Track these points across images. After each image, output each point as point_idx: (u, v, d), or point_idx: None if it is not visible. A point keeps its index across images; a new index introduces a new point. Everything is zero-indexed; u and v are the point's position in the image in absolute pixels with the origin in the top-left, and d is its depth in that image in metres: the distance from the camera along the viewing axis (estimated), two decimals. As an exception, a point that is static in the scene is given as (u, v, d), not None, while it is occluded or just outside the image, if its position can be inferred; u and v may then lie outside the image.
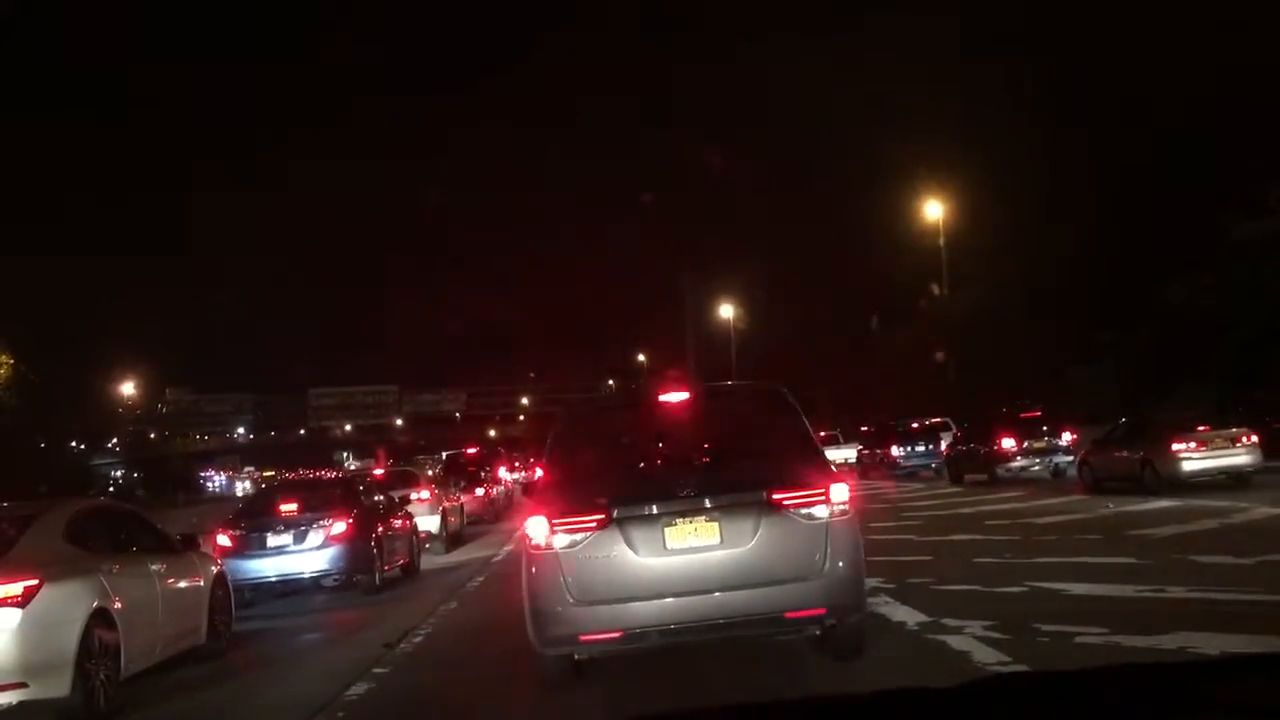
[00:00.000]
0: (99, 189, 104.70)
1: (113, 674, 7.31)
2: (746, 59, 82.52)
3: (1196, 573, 9.36)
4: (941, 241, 39.71)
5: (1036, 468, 25.49)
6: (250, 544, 12.94)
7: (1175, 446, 18.45)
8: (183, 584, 8.86)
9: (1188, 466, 18.25)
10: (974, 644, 6.94)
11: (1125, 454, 19.87)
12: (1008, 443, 25.47)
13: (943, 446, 31.67)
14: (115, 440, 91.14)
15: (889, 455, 35.12)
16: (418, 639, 9.32)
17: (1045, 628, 7.29)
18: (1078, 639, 6.90)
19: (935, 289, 39.06)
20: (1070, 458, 24.13)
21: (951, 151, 41.66)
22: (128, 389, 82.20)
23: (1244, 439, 18.74)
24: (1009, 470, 25.39)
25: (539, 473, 7.82)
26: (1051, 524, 14.80)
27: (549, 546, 6.24)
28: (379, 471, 25.03)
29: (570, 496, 6.43)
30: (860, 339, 53.05)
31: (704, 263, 61.05)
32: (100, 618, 7.21)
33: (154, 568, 8.36)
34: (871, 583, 9.71)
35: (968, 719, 1.78)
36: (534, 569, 6.35)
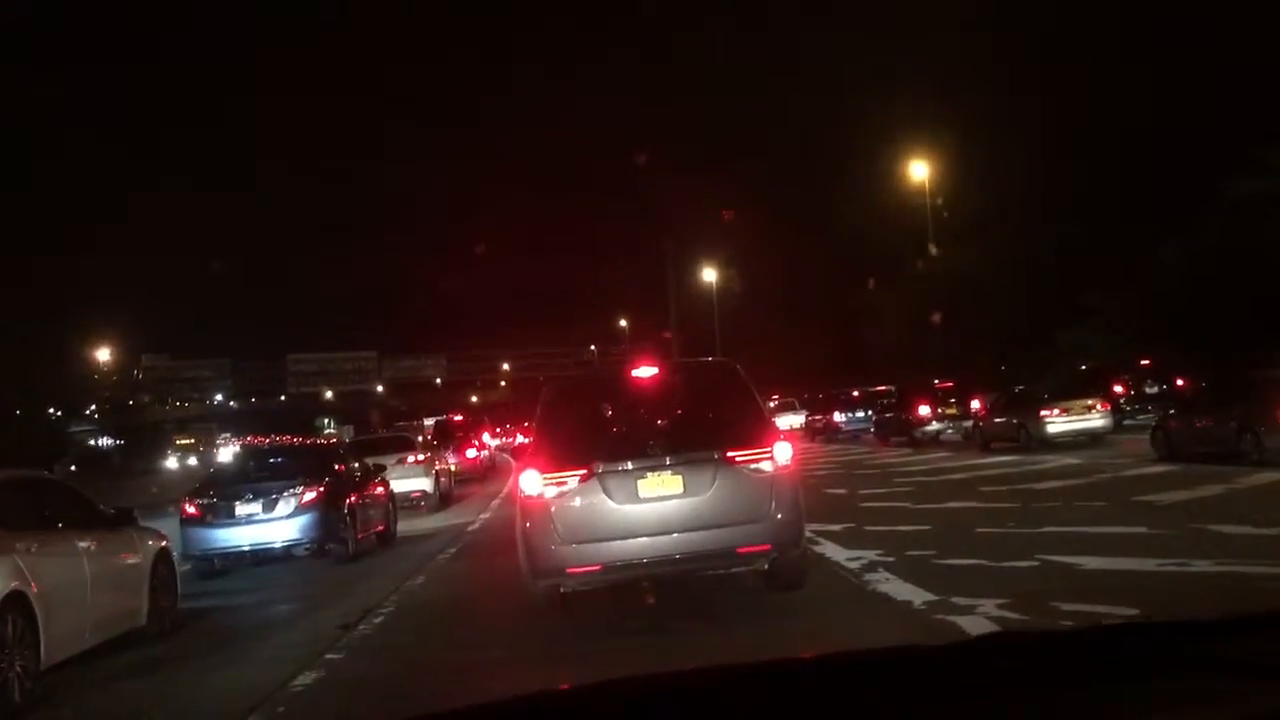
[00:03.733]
0: (70, 155, 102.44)
1: (30, 665, 6.56)
2: (743, 22, 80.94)
3: (1218, 544, 8.70)
4: (928, 203, 38.91)
5: (950, 431, 28.89)
6: (218, 512, 12.58)
7: (1042, 413, 22.29)
8: (117, 562, 8.07)
9: (1051, 429, 22.11)
10: (989, 626, 6.25)
11: (1006, 419, 23.75)
12: (923, 409, 29.64)
13: None
14: (94, 407, 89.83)
15: (831, 421, 38.79)
16: (378, 619, 8.58)
17: (1065, 607, 6.61)
18: (1105, 621, 6.21)
19: (932, 249, 38.32)
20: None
21: (946, 113, 40.84)
22: (103, 355, 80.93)
23: (1099, 406, 22.65)
24: (925, 433, 29.24)
25: (520, 439, 8.87)
26: (1050, 490, 14.18)
27: (541, 496, 7.31)
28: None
29: (558, 454, 7.48)
30: (848, 302, 52.41)
31: (690, 227, 60.02)
32: (14, 603, 6.45)
33: (82, 545, 7.56)
34: (869, 555, 9.20)
35: (962, 677, 1.73)
36: (528, 515, 7.39)
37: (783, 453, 7.46)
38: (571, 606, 7.89)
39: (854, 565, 8.82)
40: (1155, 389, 26.84)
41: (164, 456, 74.40)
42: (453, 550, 13.25)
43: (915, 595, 7.37)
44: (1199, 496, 12.18)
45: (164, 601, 8.75)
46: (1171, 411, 18.85)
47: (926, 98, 42.35)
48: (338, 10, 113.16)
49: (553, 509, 7.26)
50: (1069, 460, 18.59)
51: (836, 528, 11.25)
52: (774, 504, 7.33)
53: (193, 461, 59.72)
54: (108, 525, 8.24)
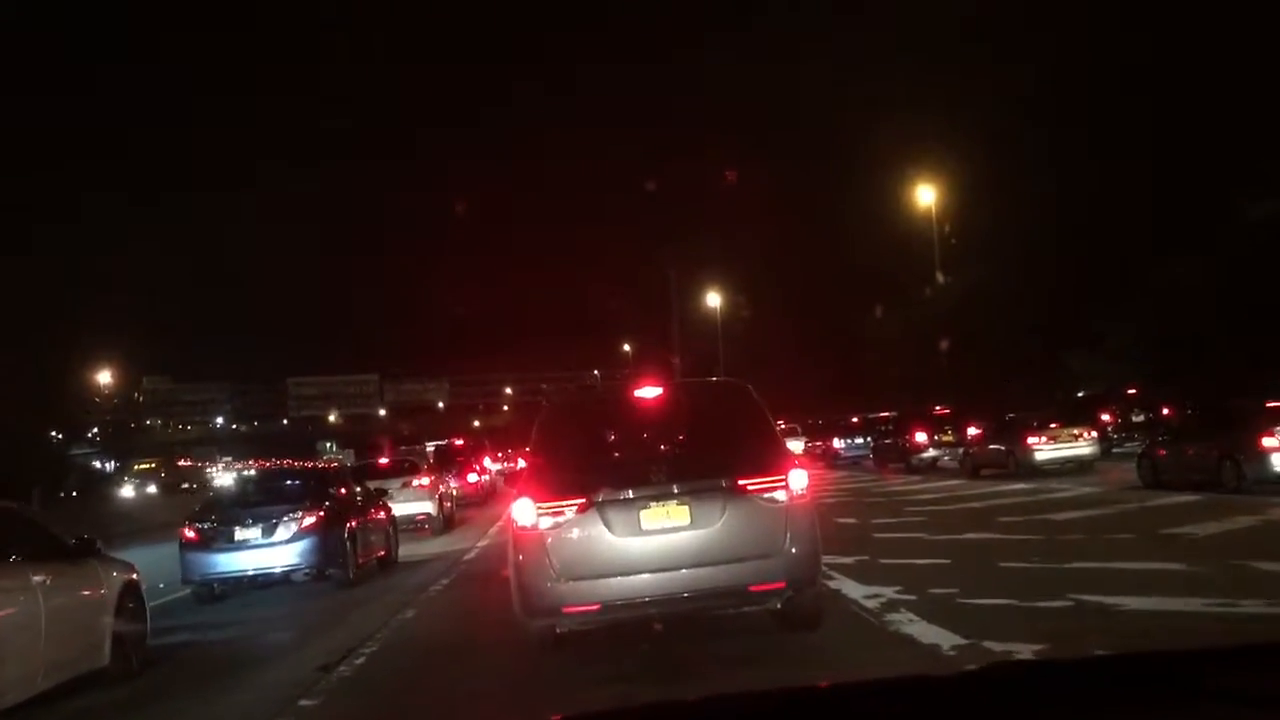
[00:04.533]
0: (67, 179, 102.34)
1: (-29, 713, 5.97)
2: (744, 46, 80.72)
3: (1264, 582, 8.11)
4: (935, 229, 38.40)
5: (946, 458, 28.85)
6: (217, 537, 12.47)
7: (1030, 440, 22.74)
8: (76, 597, 7.45)
9: (1039, 456, 22.51)
10: (1028, 677, 5.63)
11: (994, 446, 24.23)
12: (920, 436, 29.98)
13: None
14: (96, 430, 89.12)
15: (831, 447, 39.41)
16: (359, 660, 7.95)
17: (1111, 655, 5.98)
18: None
19: (940, 277, 37.82)
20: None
21: (949, 135, 40.48)
22: (104, 377, 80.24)
23: (1085, 434, 23.13)
24: (921, 460, 29.49)
25: (521, 463, 8.11)
26: (1071, 521, 13.57)
27: (534, 527, 6.70)
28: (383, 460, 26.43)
29: (554, 482, 6.88)
30: (853, 328, 51.96)
31: (695, 253, 59.63)
32: (-45, 645, 5.86)
33: (36, 580, 6.94)
34: (888, 593, 8.57)
35: (968, 706, 1.74)
36: (520, 548, 6.80)
37: (798, 481, 6.86)
38: (568, 648, 7.31)
39: (873, 604, 8.18)
40: (1142, 417, 27.53)
41: (118, 483, 63.74)
42: (445, 581, 12.61)
43: (943, 638, 6.74)
44: (1231, 529, 11.59)
45: (130, 639, 8.11)
46: (1162, 438, 19.19)
47: (932, 122, 42.04)
48: (340, 34, 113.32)
49: (548, 541, 6.65)
50: (1085, 489, 18.07)
51: (849, 560, 10.63)
52: (789, 537, 6.71)
53: (152, 489, 50.00)
54: (67, 556, 7.63)
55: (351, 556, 12.99)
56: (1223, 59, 34.42)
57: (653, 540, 6.62)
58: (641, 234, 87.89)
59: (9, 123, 77.84)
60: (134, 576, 8.46)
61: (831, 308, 54.45)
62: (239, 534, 12.42)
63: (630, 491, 6.67)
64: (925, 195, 39.08)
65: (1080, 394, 33.61)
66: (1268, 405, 16.27)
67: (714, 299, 59.39)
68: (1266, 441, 15.12)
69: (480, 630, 8.95)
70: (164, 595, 13.59)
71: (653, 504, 6.64)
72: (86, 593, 7.62)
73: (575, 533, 6.65)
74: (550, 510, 6.70)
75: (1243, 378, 27.20)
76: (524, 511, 6.77)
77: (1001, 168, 39.32)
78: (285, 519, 12.46)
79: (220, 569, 12.39)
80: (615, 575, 6.61)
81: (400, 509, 17.44)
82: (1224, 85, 34.61)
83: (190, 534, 12.60)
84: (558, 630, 7.18)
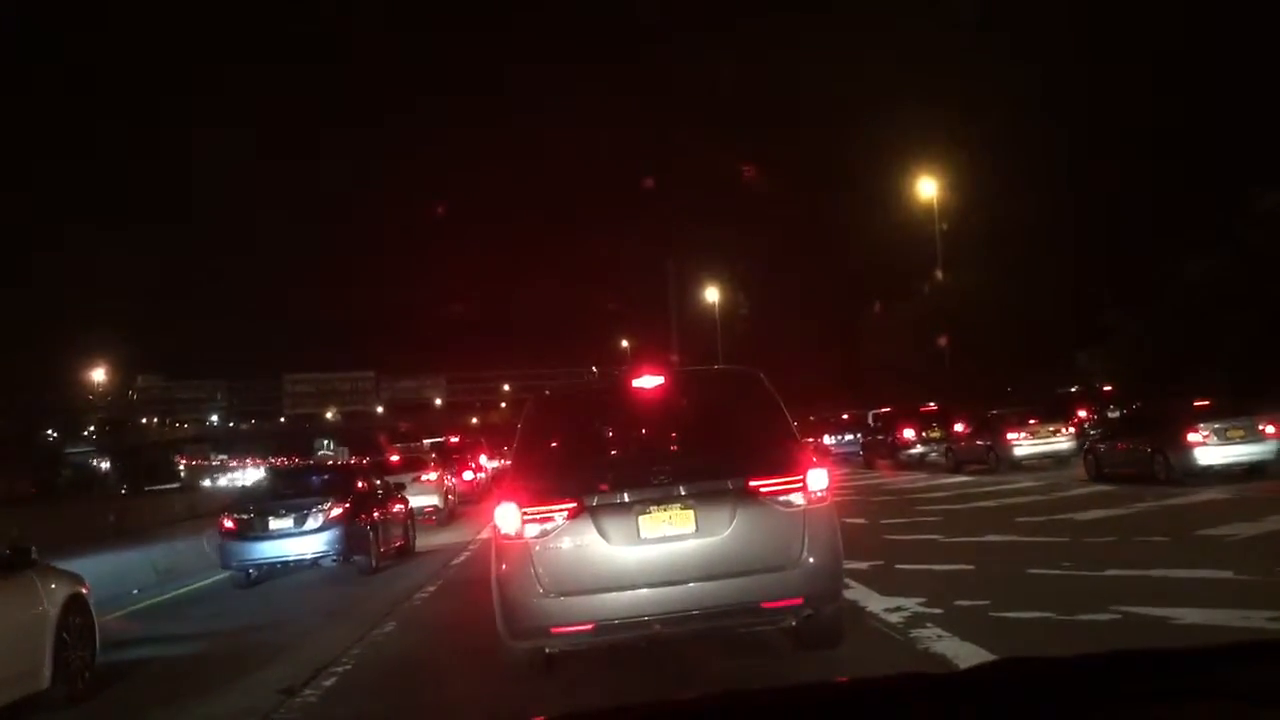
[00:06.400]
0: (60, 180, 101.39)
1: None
2: (745, 37, 79.72)
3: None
4: (936, 226, 37.59)
5: (934, 454, 28.97)
6: (253, 527, 13.50)
7: (1009, 436, 23.51)
8: (6, 614, 6.68)
9: (1018, 452, 23.34)
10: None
11: (977, 442, 24.99)
12: (908, 433, 30.57)
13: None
14: (92, 428, 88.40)
15: (821, 444, 38.73)
16: (329, 681, 7.17)
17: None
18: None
19: (939, 274, 37.04)
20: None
21: (955, 127, 39.71)
22: (98, 375, 79.60)
23: (1063, 429, 23.98)
24: (909, 455, 29.97)
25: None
26: (1095, 521, 12.85)
27: (519, 536, 5.97)
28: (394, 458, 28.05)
29: (541, 484, 6.16)
30: (853, 324, 51.28)
31: (694, 248, 58.91)
32: None
33: (-41, 595, 6.18)
34: (911, 605, 7.81)
35: (971, 704, 1.70)
36: (503, 559, 6.08)
37: (817, 481, 6.07)
38: (558, 670, 6.54)
39: (895, 618, 7.40)
40: (1118, 414, 28.32)
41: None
42: (431, 589, 11.79)
43: (980, 659, 5.90)
44: (1270, 531, 10.95)
45: (76, 660, 7.31)
46: (1110, 434, 20.49)
47: (935, 119, 41.26)
48: (339, 41, 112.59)
49: (534, 551, 5.87)
50: (1101, 487, 17.45)
51: (863, 565, 9.82)
52: (807, 546, 5.93)
53: None
54: (-1, 569, 6.86)
55: (374, 545, 13.97)
56: (1227, 51, 33.79)
57: (653, 550, 5.87)
58: (640, 231, 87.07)
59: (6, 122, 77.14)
60: (80, 589, 7.65)
61: (830, 303, 53.80)
62: (273, 524, 13.42)
63: (627, 494, 5.92)
64: (926, 188, 38.34)
65: (1074, 388, 33.99)
66: (1194, 404, 17.65)
67: (712, 294, 58.82)
68: (1190, 437, 16.54)
69: (465, 647, 8.16)
70: (138, 601, 12.96)
71: (653, 508, 5.89)
72: (20, 609, 6.81)
73: (565, 542, 5.89)
74: (537, 516, 5.93)
75: (1251, 372, 26.65)
76: (507, 517, 6.00)
77: (1004, 163, 38.60)
78: (314, 510, 13.42)
79: (256, 556, 13.40)
80: (611, 590, 5.84)
81: (411, 501, 18.48)
82: (1228, 80, 33.97)
83: (229, 524, 13.62)
84: (547, 651, 6.39)
